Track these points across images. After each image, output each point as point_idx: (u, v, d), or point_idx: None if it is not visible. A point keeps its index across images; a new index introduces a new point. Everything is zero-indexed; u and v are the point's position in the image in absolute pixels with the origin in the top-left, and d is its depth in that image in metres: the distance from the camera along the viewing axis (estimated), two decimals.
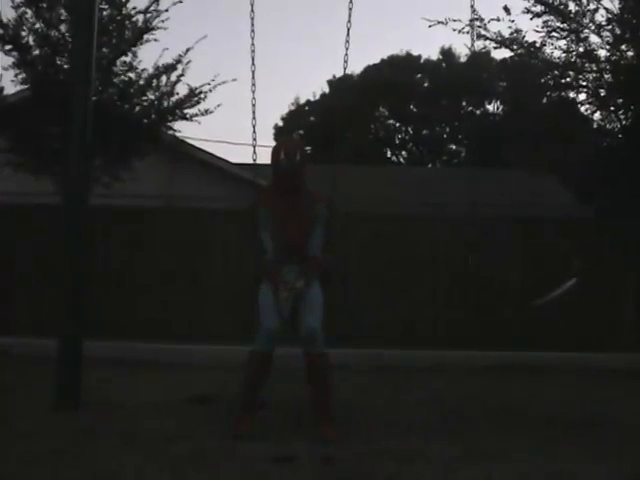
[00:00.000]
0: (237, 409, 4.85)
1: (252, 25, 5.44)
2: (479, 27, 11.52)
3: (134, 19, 11.15)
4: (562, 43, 11.68)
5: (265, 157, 5.39)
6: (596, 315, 10.10)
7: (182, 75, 11.47)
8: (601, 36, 11.45)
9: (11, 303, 10.09)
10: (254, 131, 5.57)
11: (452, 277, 10.20)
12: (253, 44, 5.41)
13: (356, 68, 33.38)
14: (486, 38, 11.82)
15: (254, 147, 5.57)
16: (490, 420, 5.30)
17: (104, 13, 10.75)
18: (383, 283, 10.17)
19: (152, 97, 11.50)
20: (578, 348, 9.41)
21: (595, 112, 12.57)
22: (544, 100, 13.28)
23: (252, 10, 5.51)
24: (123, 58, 11.20)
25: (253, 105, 5.52)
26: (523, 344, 9.50)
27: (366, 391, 6.72)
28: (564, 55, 11.73)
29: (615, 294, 10.26)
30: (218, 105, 11.80)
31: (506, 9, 11.64)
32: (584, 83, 11.94)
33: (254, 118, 5.50)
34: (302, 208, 5.04)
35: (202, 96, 11.50)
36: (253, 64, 5.44)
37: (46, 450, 4.09)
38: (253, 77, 5.47)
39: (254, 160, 5.74)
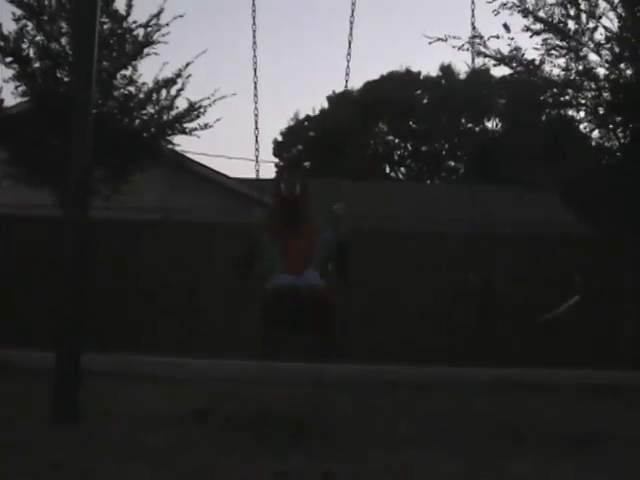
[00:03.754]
0: None
1: (254, 38, 5.44)
2: (479, 44, 11.60)
3: (135, 33, 11.19)
4: (561, 61, 11.76)
5: (264, 173, 5.41)
6: (596, 331, 10.08)
7: (182, 89, 11.50)
8: (600, 54, 11.52)
9: (10, 315, 10.06)
10: (257, 141, 5.56)
11: (452, 294, 10.17)
12: (255, 55, 5.40)
13: (356, 84, 33.46)
14: (486, 55, 11.89)
15: (256, 159, 5.58)
16: (491, 436, 5.28)
17: (105, 27, 10.78)
18: (383, 298, 10.15)
19: (152, 111, 11.52)
20: (578, 365, 9.39)
21: (594, 130, 12.64)
22: (543, 118, 13.33)
23: (254, 23, 5.51)
24: (123, 72, 11.23)
25: (256, 122, 5.50)
26: (523, 361, 9.48)
27: (366, 406, 6.69)
28: (563, 73, 11.81)
29: (615, 311, 10.25)
30: (217, 119, 11.84)
31: (506, 27, 11.71)
32: (583, 101, 12.00)
33: (256, 128, 5.50)
34: (306, 244, 5.11)
35: (202, 110, 11.52)
36: (255, 75, 5.43)
37: (45, 463, 4.07)
38: (255, 90, 5.46)
39: (256, 171, 5.71)
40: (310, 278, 5.02)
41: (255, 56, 5.41)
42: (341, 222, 5.24)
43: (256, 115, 5.47)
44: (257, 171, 5.68)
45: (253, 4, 5.58)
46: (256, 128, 5.46)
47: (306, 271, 5.06)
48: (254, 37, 5.42)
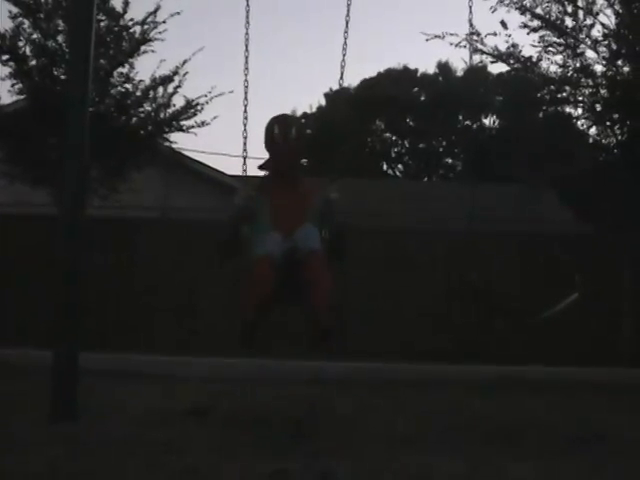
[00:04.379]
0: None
1: (246, 34, 5.37)
2: (476, 41, 11.61)
3: (131, 30, 11.19)
4: (558, 58, 11.78)
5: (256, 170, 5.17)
6: (595, 330, 10.08)
7: (179, 87, 11.51)
8: (597, 51, 11.53)
9: (7, 313, 10.05)
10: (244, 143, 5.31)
11: (451, 292, 10.18)
12: (247, 50, 5.32)
13: (353, 81, 33.42)
14: (483, 52, 11.90)
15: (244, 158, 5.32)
16: (490, 435, 5.26)
17: (102, 24, 10.78)
18: (381, 296, 10.14)
19: (149, 108, 11.52)
20: (577, 363, 9.39)
21: (591, 127, 12.65)
22: (540, 115, 13.32)
23: (247, 22, 5.45)
24: (120, 69, 11.23)
25: (244, 124, 5.17)
26: (523, 359, 9.47)
27: (365, 405, 6.67)
28: (560, 70, 11.82)
29: (613, 309, 10.25)
30: (215, 117, 11.83)
31: (503, 24, 11.71)
32: (580, 98, 12.00)
33: (245, 130, 5.28)
34: (300, 200, 4.73)
35: (199, 108, 11.51)
36: (247, 71, 5.33)
37: (42, 462, 4.05)
38: (245, 95, 5.35)
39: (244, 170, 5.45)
40: (306, 238, 4.54)
41: (247, 56, 5.32)
42: (335, 208, 4.82)
43: (245, 118, 5.28)
44: (244, 170, 5.38)
45: (247, 4, 5.51)
46: (244, 130, 5.27)
47: (301, 227, 4.58)
48: (246, 34, 5.34)
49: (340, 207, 4.84)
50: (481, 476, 4.11)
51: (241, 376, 8.02)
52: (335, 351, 8.67)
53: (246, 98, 5.21)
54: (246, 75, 5.28)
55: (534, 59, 11.90)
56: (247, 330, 4.64)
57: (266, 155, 4.97)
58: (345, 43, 5.41)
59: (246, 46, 5.35)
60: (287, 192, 4.79)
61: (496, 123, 30.87)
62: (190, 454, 4.37)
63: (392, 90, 31.44)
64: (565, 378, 8.68)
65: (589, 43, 11.54)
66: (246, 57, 5.33)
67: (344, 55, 5.38)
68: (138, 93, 11.42)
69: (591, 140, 12.78)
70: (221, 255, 5.01)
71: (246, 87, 5.26)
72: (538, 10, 11.60)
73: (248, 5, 5.46)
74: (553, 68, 11.88)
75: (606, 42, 11.50)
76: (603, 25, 11.50)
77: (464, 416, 6.15)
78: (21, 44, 10.79)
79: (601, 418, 6.24)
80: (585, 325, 9.98)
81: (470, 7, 6.37)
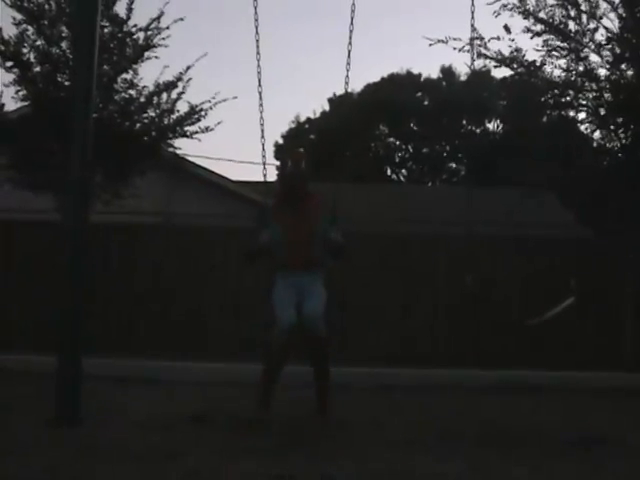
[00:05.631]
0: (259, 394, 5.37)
1: (257, 40, 5.42)
2: (479, 46, 11.59)
3: (135, 36, 11.18)
4: (562, 62, 11.76)
5: (266, 175, 5.50)
6: (596, 334, 10.07)
7: (183, 92, 11.50)
8: (601, 55, 11.52)
9: (11, 319, 10.07)
10: (263, 149, 5.72)
11: (451, 296, 10.17)
12: (259, 61, 5.39)
13: (356, 86, 33.43)
14: (486, 57, 11.89)
15: (264, 164, 5.74)
16: (491, 439, 5.26)
17: (105, 30, 10.78)
18: (383, 301, 10.14)
19: (153, 114, 11.51)
20: (578, 367, 9.37)
21: (595, 131, 12.63)
22: (544, 119, 13.31)
23: (257, 32, 5.50)
24: (124, 75, 11.22)
25: (262, 124, 5.68)
26: (523, 363, 9.46)
27: (366, 409, 6.68)
28: (564, 74, 11.80)
29: (615, 313, 10.23)
30: (218, 123, 11.82)
31: (506, 28, 11.70)
32: (584, 102, 11.99)
33: (263, 137, 5.65)
34: (308, 218, 5.42)
35: (202, 114, 11.51)
36: (259, 83, 5.41)
37: (44, 466, 4.06)
38: (260, 98, 5.48)
39: (264, 175, 5.91)
40: (313, 319, 5.24)
41: (259, 66, 5.40)
42: (337, 248, 5.56)
43: (262, 125, 5.61)
44: (264, 175, 5.89)
45: (255, 12, 5.56)
46: (262, 137, 5.62)
47: (308, 301, 5.30)
48: (257, 47, 5.38)
49: (342, 214, 5.36)
50: (482, 478, 4.11)
51: (242, 380, 8.02)
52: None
53: (261, 105, 5.57)
54: (259, 80, 5.47)
55: (538, 63, 11.90)
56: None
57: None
58: (349, 47, 5.48)
59: (257, 52, 5.54)
60: (296, 209, 5.50)
61: (499, 128, 30.86)
62: (192, 458, 4.37)
63: (396, 95, 31.44)
64: (566, 382, 8.66)
65: (593, 47, 11.54)
66: (258, 60, 5.55)
67: (348, 59, 5.45)
68: (142, 99, 11.42)
69: (595, 144, 12.77)
70: (249, 262, 5.82)
71: (260, 92, 5.50)
72: (541, 14, 11.60)
73: (256, 13, 5.54)
74: (557, 72, 11.88)
75: (610, 46, 11.49)
76: (607, 29, 11.51)
77: (465, 420, 6.14)
78: (25, 51, 10.80)
79: (602, 422, 6.23)
80: (586, 329, 9.97)
81: (473, 12, 6.40)
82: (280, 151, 34.40)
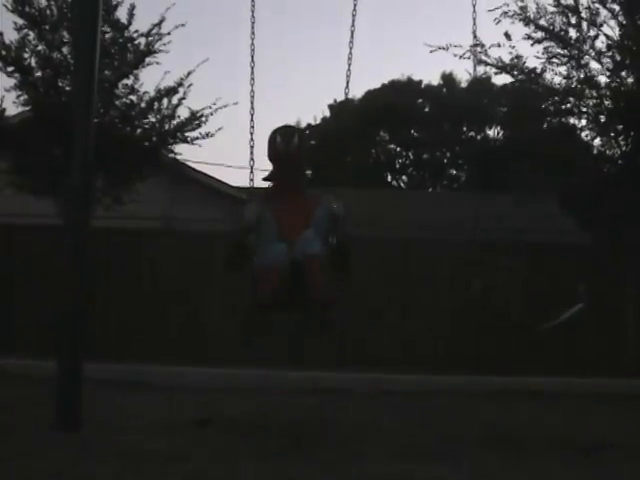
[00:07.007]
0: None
1: (252, 45, 5.40)
2: (480, 53, 11.61)
3: (136, 42, 11.22)
4: (562, 69, 11.77)
5: (253, 180, 5.05)
6: (597, 340, 10.07)
7: (183, 98, 11.53)
8: (601, 62, 11.54)
9: (11, 323, 10.07)
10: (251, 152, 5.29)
11: (453, 301, 10.17)
12: (253, 61, 5.36)
13: (357, 92, 33.46)
14: (487, 64, 11.91)
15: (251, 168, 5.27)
16: (492, 445, 5.25)
17: (106, 36, 10.81)
18: (384, 307, 10.14)
19: (153, 120, 11.54)
20: (579, 373, 9.37)
21: (595, 138, 12.64)
22: (544, 126, 13.33)
23: (253, 34, 5.47)
24: (125, 81, 11.26)
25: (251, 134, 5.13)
26: (525, 369, 9.46)
27: (366, 415, 6.67)
28: (564, 81, 11.82)
29: (617, 319, 10.24)
30: (219, 128, 11.84)
31: (507, 35, 11.73)
32: (584, 109, 12.01)
33: (252, 139, 5.28)
34: (304, 210, 4.68)
35: (203, 119, 11.54)
36: (252, 84, 5.39)
37: (45, 470, 4.06)
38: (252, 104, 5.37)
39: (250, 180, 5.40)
40: (303, 244, 4.51)
41: (252, 66, 5.34)
42: (341, 223, 4.71)
43: (252, 127, 5.26)
44: (251, 180, 5.30)
45: (252, 16, 5.53)
46: (251, 140, 5.23)
47: (300, 236, 4.54)
48: (252, 51, 5.35)
49: (345, 219, 4.81)
50: None
51: (242, 385, 8.03)
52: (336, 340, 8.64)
53: (252, 107, 5.18)
54: (252, 85, 5.28)
55: (538, 70, 11.92)
56: (252, 320, 4.68)
57: (270, 167, 4.97)
58: (350, 54, 5.42)
59: (252, 57, 5.35)
60: (291, 203, 4.75)
61: (500, 134, 30.90)
62: (192, 461, 4.37)
63: (396, 101, 31.49)
64: (568, 388, 8.67)
65: (593, 54, 11.56)
66: (252, 67, 5.33)
67: (349, 65, 5.39)
68: (143, 104, 11.45)
69: (595, 151, 12.78)
70: (228, 267, 4.93)
71: (252, 97, 5.25)
72: (542, 22, 11.62)
73: (253, 17, 5.49)
74: (557, 79, 11.90)
75: (610, 53, 11.51)
76: (607, 36, 11.52)
77: (466, 426, 6.14)
78: (26, 56, 10.84)
79: (604, 428, 6.23)
80: (589, 334, 9.98)
81: (474, 19, 6.41)
82: None
